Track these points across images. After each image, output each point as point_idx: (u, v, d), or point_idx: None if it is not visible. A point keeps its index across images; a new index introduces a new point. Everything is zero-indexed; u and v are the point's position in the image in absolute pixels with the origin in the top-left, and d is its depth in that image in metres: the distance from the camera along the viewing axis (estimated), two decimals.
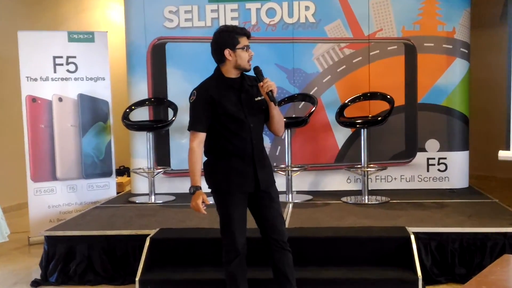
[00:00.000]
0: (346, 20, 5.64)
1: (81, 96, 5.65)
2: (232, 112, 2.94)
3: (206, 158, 3.07)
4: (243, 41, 2.96)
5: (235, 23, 5.64)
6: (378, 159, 5.66)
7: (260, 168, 3.00)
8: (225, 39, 2.95)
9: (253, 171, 2.98)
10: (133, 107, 5.69)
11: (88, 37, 5.65)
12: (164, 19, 5.79)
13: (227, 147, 2.97)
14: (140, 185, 5.89)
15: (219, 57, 2.99)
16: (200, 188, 2.93)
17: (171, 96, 5.77)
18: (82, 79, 5.64)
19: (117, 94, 6.28)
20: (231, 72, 3.00)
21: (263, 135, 3.11)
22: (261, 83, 2.96)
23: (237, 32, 2.96)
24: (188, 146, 2.98)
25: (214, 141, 3.00)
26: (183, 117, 5.32)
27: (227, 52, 2.95)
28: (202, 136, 2.97)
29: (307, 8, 5.65)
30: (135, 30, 5.81)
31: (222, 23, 5.66)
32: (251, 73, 3.04)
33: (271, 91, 2.95)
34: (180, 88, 5.65)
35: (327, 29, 5.68)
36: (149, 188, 5.54)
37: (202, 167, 3.01)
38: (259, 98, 3.02)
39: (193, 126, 2.98)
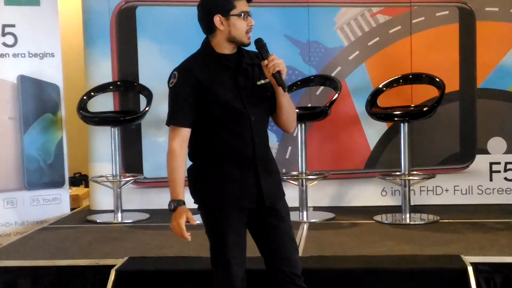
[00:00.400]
0: None
1: (23, 79, 5.64)
2: (226, 100, 2.95)
3: (191, 163, 3.07)
4: (241, 5, 2.96)
5: None
6: (423, 163, 5.65)
7: (265, 176, 3.00)
8: (215, 1, 2.96)
9: (255, 180, 2.98)
10: (92, 94, 5.67)
11: None
12: None
13: (220, 149, 2.97)
14: (103, 198, 5.88)
15: (207, 26, 2.99)
16: (184, 204, 2.93)
17: (143, 79, 5.77)
18: (23, 55, 5.63)
19: (70, 76, 6.26)
20: (223, 47, 3.00)
21: (268, 132, 3.11)
22: (265, 62, 2.96)
23: None
24: (167, 146, 2.98)
25: (202, 140, 3.00)
26: (160, 106, 5.30)
27: (217, 19, 2.95)
28: (185, 133, 2.97)
29: None
30: None
31: None
32: (252, 47, 3.04)
33: (278, 72, 2.94)
34: (156, 68, 5.63)
35: None
36: (115, 202, 5.54)
37: (186, 175, 3.01)
38: (262, 81, 3.02)
39: (174, 120, 2.98)
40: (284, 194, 3.12)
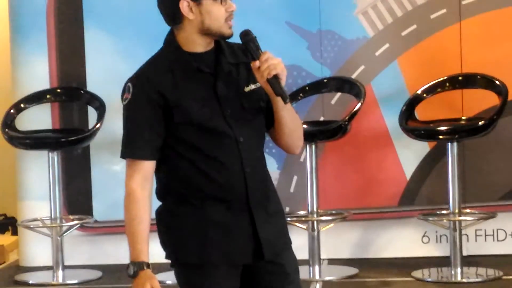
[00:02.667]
0: None
1: None
2: (202, 119, 2.93)
3: (159, 204, 3.06)
4: None
5: None
6: (479, 198, 5.66)
7: (264, 219, 2.99)
8: None
9: (250, 225, 2.97)
10: (22, 106, 5.69)
11: None
12: None
13: (198, 184, 2.95)
14: (37, 250, 5.86)
15: (171, 15, 2.99)
16: (148, 266, 2.89)
17: (93, 85, 5.78)
18: None
19: None
20: (195, 42, 2.99)
21: (266, 155, 3.10)
22: (256, 63, 2.96)
23: None
24: (125, 178, 2.97)
25: (173, 174, 2.98)
26: (116, 123, 5.28)
27: (184, 4, 2.94)
28: (148, 167, 2.93)
29: None
30: None
31: None
32: (236, 38, 3.03)
33: (275, 76, 2.93)
34: (111, 70, 5.66)
35: None
36: (54, 256, 5.52)
37: (155, 220, 2.99)
38: (252, 86, 3.01)
39: (131, 151, 2.95)
40: (290, 243, 3.11)
